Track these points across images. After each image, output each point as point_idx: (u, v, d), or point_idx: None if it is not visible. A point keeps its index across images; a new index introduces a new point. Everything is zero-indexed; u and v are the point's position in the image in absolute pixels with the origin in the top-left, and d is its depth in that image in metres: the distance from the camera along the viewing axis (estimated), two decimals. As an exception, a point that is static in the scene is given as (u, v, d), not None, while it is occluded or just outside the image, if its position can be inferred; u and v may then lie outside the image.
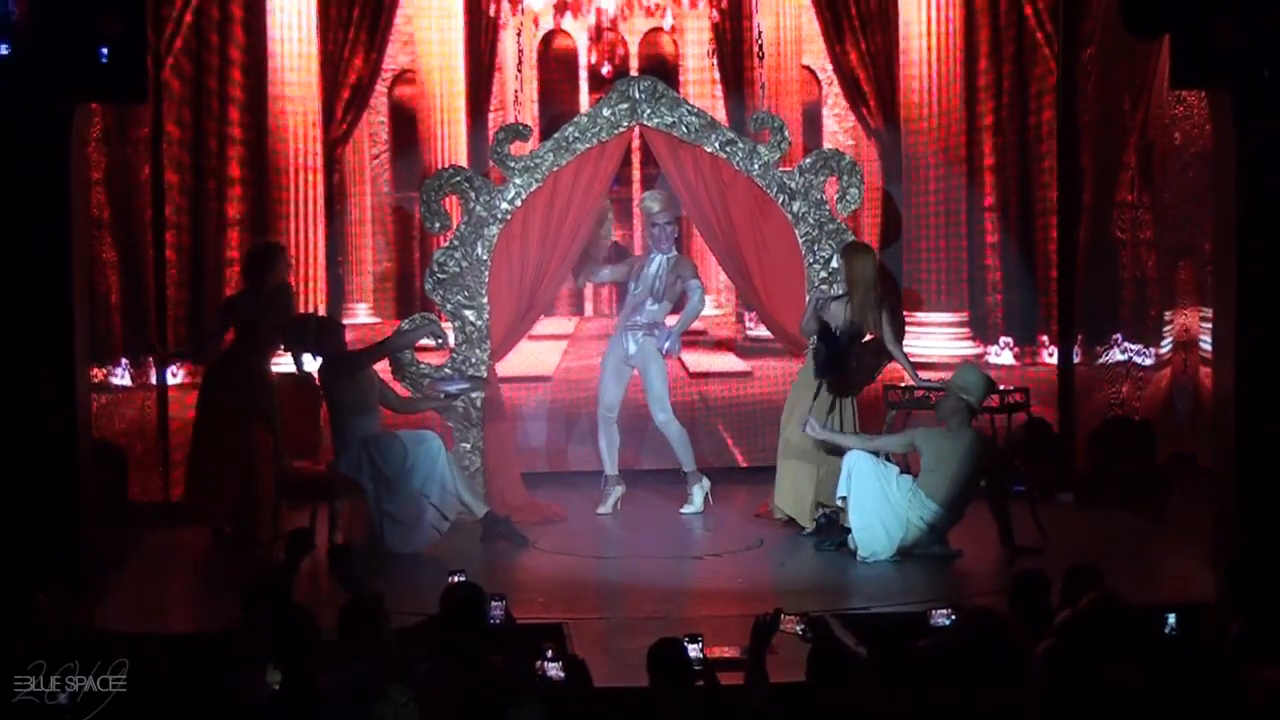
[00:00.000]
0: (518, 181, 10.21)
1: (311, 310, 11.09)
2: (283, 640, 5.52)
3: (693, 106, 10.47)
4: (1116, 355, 10.85)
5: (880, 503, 9.11)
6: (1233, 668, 5.26)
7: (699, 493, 10.46)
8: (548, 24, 11.47)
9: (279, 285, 9.93)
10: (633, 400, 10.71)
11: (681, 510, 10.44)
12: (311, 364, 10.00)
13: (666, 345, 10.33)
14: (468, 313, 10.19)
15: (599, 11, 10.63)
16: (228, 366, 9.81)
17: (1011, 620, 5.66)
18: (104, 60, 7.96)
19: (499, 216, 10.20)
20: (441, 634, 5.74)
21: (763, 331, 11.27)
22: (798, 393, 9.88)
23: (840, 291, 9.76)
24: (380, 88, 11.76)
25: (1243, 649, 5.58)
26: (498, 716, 5.29)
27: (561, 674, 5.45)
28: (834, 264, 10.01)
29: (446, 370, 10.15)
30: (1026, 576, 6.40)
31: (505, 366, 10.72)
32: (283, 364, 10.38)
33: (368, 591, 6.08)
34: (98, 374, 9.85)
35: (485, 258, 10.19)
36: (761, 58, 11.23)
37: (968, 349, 11.63)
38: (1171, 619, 6.16)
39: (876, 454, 9.23)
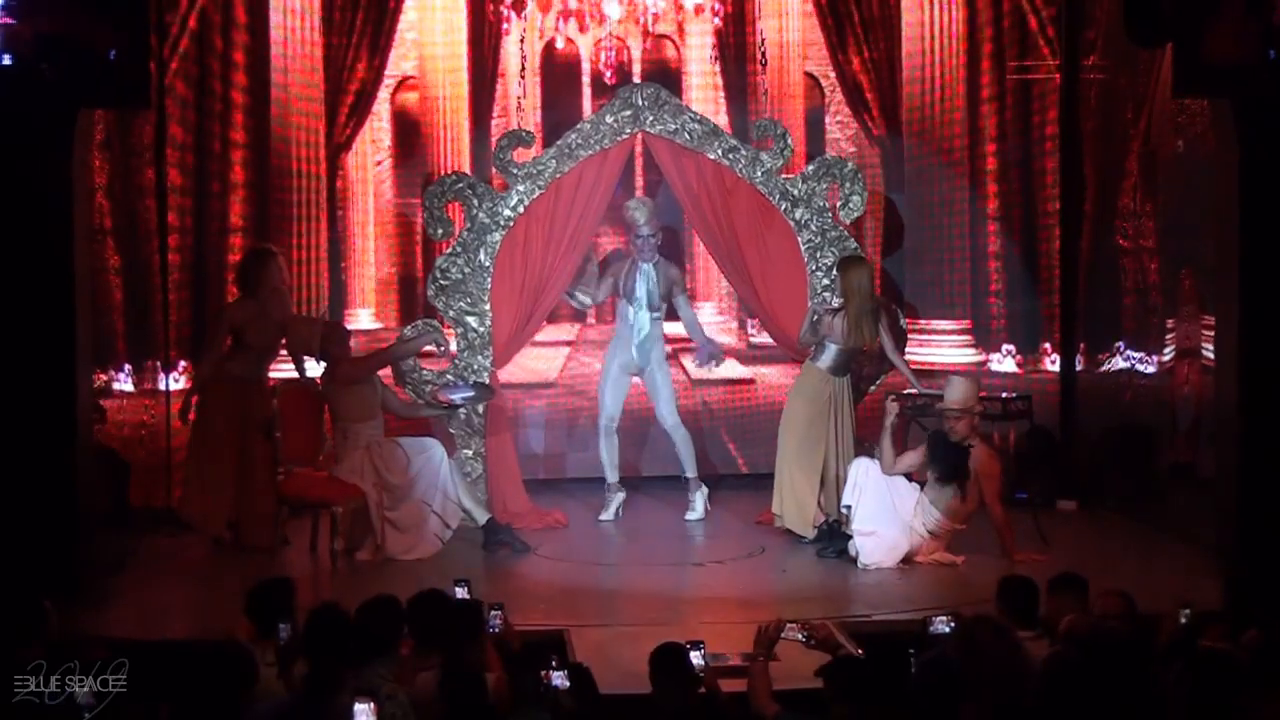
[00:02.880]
0: (520, 188, 10.21)
1: (315, 315, 11.10)
2: (316, 639, 5.53)
3: (695, 113, 10.47)
4: (1119, 363, 10.85)
5: (886, 511, 9.13)
6: (1242, 676, 5.25)
7: (700, 499, 10.48)
8: (551, 29, 11.46)
9: (273, 291, 9.92)
10: (634, 407, 10.73)
11: (685, 517, 10.46)
12: (314, 369, 10.01)
13: (713, 362, 10.52)
14: (470, 319, 10.19)
15: (604, 17, 10.61)
16: (224, 375, 9.81)
17: (1009, 627, 5.66)
18: (107, 67, 7.96)
19: (501, 223, 10.21)
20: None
21: (765, 338, 11.28)
22: (795, 401, 9.87)
23: (838, 303, 9.77)
24: (383, 94, 11.77)
25: (1259, 658, 5.57)
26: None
27: (566, 682, 5.44)
28: (836, 272, 10.02)
29: (449, 377, 10.15)
30: (1012, 581, 6.47)
31: (507, 373, 10.73)
32: (284, 370, 10.39)
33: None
34: (100, 379, 9.84)
35: (488, 264, 10.20)
36: (764, 64, 11.25)
37: (970, 356, 11.63)
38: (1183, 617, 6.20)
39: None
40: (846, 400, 9.78)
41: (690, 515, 10.48)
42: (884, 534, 9.15)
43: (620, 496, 10.55)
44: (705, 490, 10.54)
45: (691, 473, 10.53)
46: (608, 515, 10.49)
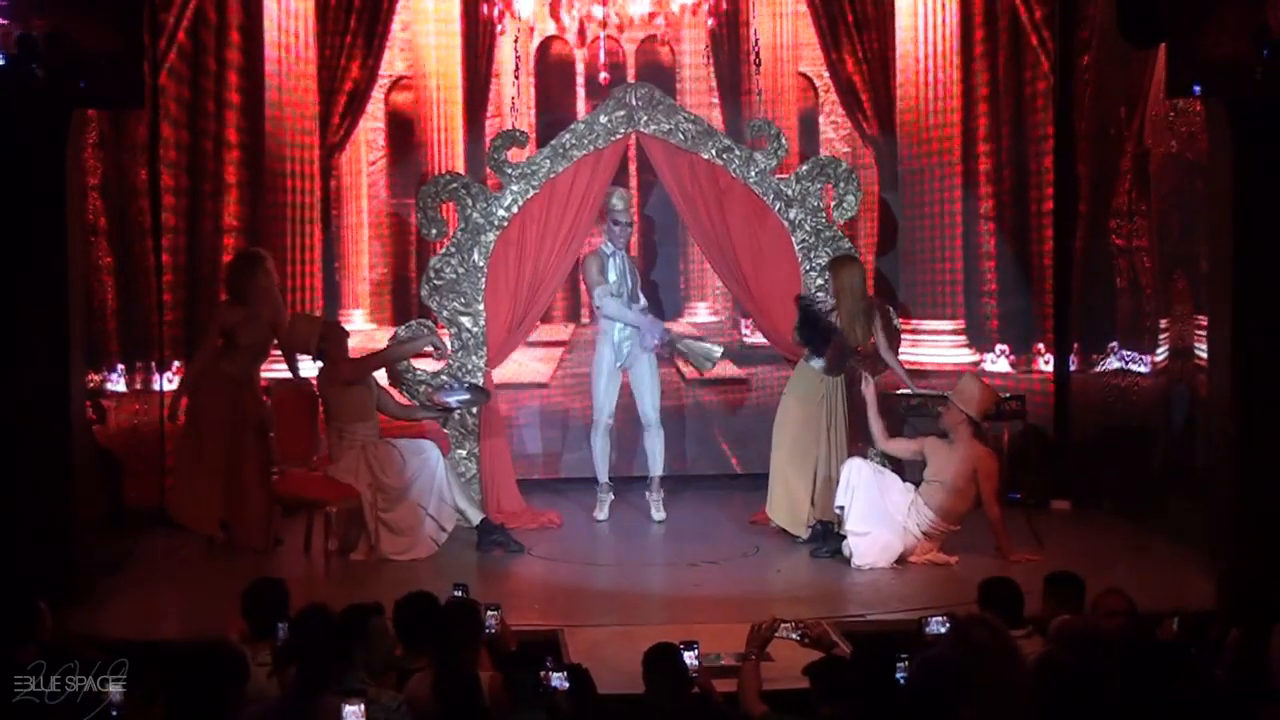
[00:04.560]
0: (514, 188, 10.22)
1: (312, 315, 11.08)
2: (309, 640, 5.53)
3: (689, 113, 10.48)
4: (1113, 363, 10.85)
5: (879, 512, 9.13)
6: (1233, 677, 5.25)
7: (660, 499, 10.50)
8: (546, 30, 11.44)
9: (263, 291, 9.91)
10: (626, 401, 10.75)
11: (654, 517, 10.42)
12: (308, 369, 10.00)
13: (660, 338, 10.29)
14: (464, 319, 10.19)
15: (590, 18, 10.61)
16: (216, 375, 9.80)
17: (1005, 626, 5.66)
18: (101, 66, 7.95)
19: (496, 223, 10.21)
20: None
21: (759, 338, 11.28)
22: (788, 401, 9.87)
23: (831, 304, 9.77)
24: (377, 94, 11.75)
25: (1243, 657, 5.58)
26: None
27: (565, 683, 5.44)
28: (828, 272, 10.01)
29: (444, 378, 10.15)
30: (994, 582, 6.51)
31: (501, 373, 10.72)
32: (277, 370, 10.38)
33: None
34: (93, 379, 9.82)
35: (482, 264, 10.20)
36: (758, 65, 11.24)
37: (964, 357, 11.63)
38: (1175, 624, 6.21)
39: (882, 462, 9.29)
40: (840, 400, 9.79)
41: (657, 516, 10.45)
42: (877, 534, 9.15)
43: (610, 496, 10.54)
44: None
45: (660, 472, 10.50)
46: (604, 514, 10.49)
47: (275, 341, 10.12)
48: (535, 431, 11.65)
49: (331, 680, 5.28)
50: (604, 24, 9.97)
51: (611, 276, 10.28)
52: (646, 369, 10.42)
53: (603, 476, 10.54)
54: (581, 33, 10.08)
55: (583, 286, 11.87)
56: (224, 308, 10.06)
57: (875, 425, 9.39)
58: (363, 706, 5.02)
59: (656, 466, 10.51)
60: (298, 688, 5.31)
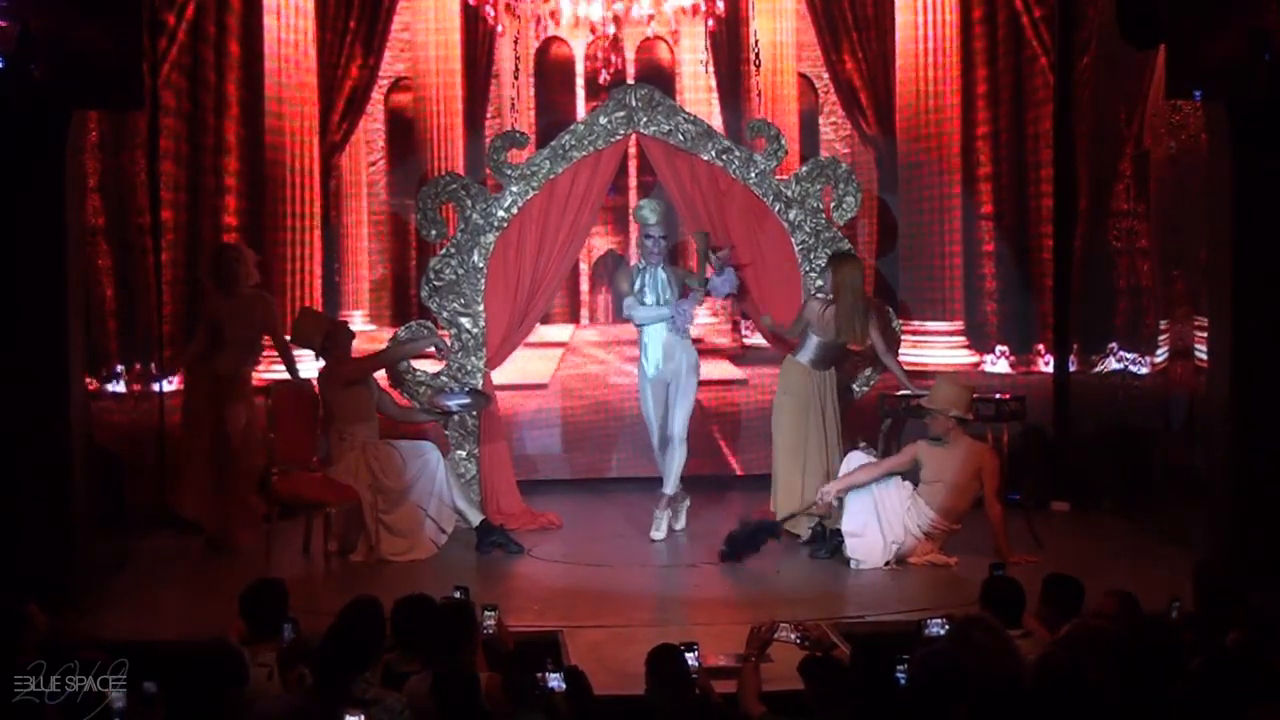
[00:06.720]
0: (514, 189, 10.22)
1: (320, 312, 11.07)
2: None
3: (689, 114, 10.48)
4: (1112, 364, 10.86)
5: (879, 512, 9.13)
6: (1230, 677, 5.26)
7: (665, 520, 10.15)
8: (547, 30, 11.45)
9: (255, 292, 9.90)
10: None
11: (651, 535, 10.07)
12: (307, 370, 10.00)
13: (688, 313, 10.02)
14: (464, 320, 10.19)
15: (588, 20, 10.63)
16: (201, 376, 9.84)
17: (1003, 627, 5.67)
18: (100, 67, 7.95)
19: (495, 224, 10.21)
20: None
21: (758, 339, 11.28)
22: (780, 398, 9.85)
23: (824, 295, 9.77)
24: (377, 95, 11.77)
25: (1244, 658, 5.59)
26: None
27: (562, 685, 5.44)
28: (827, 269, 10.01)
29: (443, 378, 10.15)
30: (996, 582, 6.53)
31: (501, 374, 10.72)
32: (277, 371, 10.38)
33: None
34: (93, 381, 9.83)
35: (481, 265, 10.20)
36: (758, 66, 11.24)
37: (964, 357, 11.64)
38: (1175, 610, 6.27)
39: (877, 454, 9.32)
40: (830, 394, 9.78)
41: (655, 535, 10.08)
42: (877, 535, 9.15)
43: (685, 503, 10.30)
44: (672, 513, 10.20)
45: (670, 490, 10.20)
46: (680, 524, 10.24)
47: (269, 341, 10.13)
48: (535, 433, 11.65)
49: (351, 685, 5.30)
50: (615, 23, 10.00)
51: (648, 298, 10.00)
52: (683, 385, 10.21)
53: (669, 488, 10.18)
54: (608, 38, 10.10)
55: (583, 287, 11.92)
56: (211, 296, 10.01)
57: (866, 474, 9.28)
58: (363, 718, 5.03)
59: (669, 484, 10.20)
60: (318, 692, 5.32)
